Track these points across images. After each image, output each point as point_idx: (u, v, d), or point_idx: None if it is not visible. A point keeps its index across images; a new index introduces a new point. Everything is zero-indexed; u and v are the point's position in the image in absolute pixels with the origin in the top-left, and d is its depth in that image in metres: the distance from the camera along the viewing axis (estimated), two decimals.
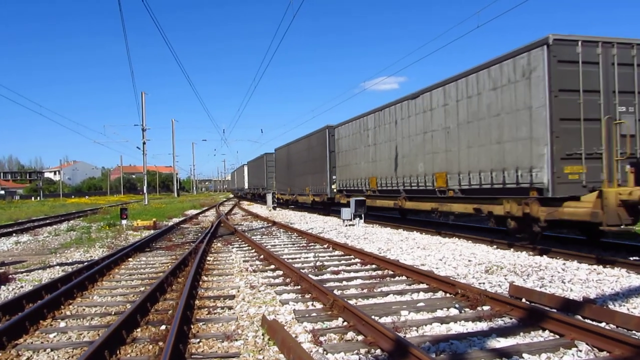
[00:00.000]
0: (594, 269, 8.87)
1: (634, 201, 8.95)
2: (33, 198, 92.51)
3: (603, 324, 5.56)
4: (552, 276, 8.43)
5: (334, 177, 24.82)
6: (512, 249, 11.55)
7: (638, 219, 9.32)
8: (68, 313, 6.94)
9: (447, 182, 13.63)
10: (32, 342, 5.64)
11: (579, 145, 9.85)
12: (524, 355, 4.74)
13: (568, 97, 9.85)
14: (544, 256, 10.49)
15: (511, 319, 5.97)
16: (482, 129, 12.00)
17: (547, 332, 5.45)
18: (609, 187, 9.60)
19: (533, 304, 6.41)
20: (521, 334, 5.42)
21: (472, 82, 12.35)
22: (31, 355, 5.21)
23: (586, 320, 5.60)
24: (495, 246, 12.15)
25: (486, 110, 11.80)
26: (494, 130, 11.51)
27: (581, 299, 6.67)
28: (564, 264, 9.55)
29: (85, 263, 10.91)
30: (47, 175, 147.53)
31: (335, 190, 24.64)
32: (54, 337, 5.85)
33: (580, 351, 4.85)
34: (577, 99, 9.86)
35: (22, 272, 10.29)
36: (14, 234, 19.63)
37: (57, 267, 10.99)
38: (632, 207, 9.09)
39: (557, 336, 5.28)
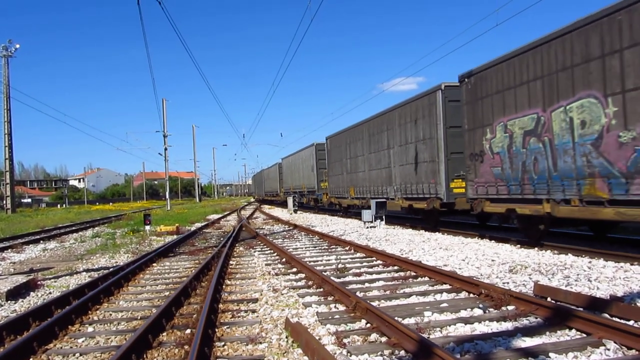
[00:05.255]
0: (621, 267, 8.71)
1: None
2: (59, 205, 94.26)
3: (631, 322, 5.47)
4: (577, 275, 8.31)
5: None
6: (536, 248, 11.40)
7: None
8: (95, 318, 7.06)
9: None
10: (61, 347, 5.75)
11: None
12: (551, 354, 4.68)
13: None
14: (569, 254, 10.34)
15: (537, 318, 5.90)
16: None
17: (573, 331, 5.37)
18: None
19: (559, 302, 6.32)
20: (547, 333, 5.35)
21: None
22: None
23: (614, 319, 5.51)
24: (518, 245, 12.01)
25: None
26: None
27: (608, 297, 6.56)
28: (590, 262, 9.40)
29: (111, 269, 11.07)
30: (71, 182, 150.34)
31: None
32: (83, 341, 5.96)
33: (609, 350, 4.77)
34: None
35: (50, 279, 10.50)
36: (42, 241, 20.02)
37: (84, 273, 11.18)
38: None
39: (584, 335, 5.20)
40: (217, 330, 6.09)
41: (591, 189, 9.46)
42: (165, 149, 49.53)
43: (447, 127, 15.28)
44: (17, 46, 46.98)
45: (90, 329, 6.48)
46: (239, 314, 6.87)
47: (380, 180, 21.04)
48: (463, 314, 6.34)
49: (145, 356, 5.28)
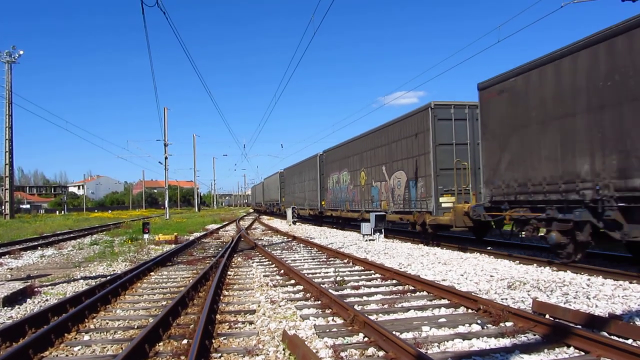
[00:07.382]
0: (620, 285, 8.70)
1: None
2: (57, 212, 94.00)
3: (630, 341, 5.45)
4: (576, 292, 8.29)
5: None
6: (535, 264, 11.39)
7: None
8: (92, 326, 7.03)
9: None
10: (57, 355, 5.73)
11: None
12: None
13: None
14: (568, 271, 10.33)
15: (535, 335, 5.89)
16: None
17: (571, 348, 5.36)
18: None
19: (557, 320, 6.31)
20: (545, 350, 5.34)
21: None
22: None
23: (612, 337, 5.50)
24: (517, 261, 12.00)
25: None
26: None
27: (607, 315, 6.55)
28: (589, 279, 9.39)
29: (109, 277, 11.05)
30: (71, 189, 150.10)
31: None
32: (79, 350, 5.94)
33: None
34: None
35: (47, 286, 10.47)
36: (39, 248, 19.98)
37: (81, 280, 11.15)
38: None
39: (583, 353, 5.19)
40: (214, 341, 6.07)
41: (346, 206, 26.11)
42: (166, 158, 49.62)
43: (321, 174, 32.15)
44: (21, 52, 47.23)
45: (86, 337, 6.45)
46: (236, 325, 6.85)
47: (302, 198, 37.59)
48: (461, 329, 6.32)
49: None
